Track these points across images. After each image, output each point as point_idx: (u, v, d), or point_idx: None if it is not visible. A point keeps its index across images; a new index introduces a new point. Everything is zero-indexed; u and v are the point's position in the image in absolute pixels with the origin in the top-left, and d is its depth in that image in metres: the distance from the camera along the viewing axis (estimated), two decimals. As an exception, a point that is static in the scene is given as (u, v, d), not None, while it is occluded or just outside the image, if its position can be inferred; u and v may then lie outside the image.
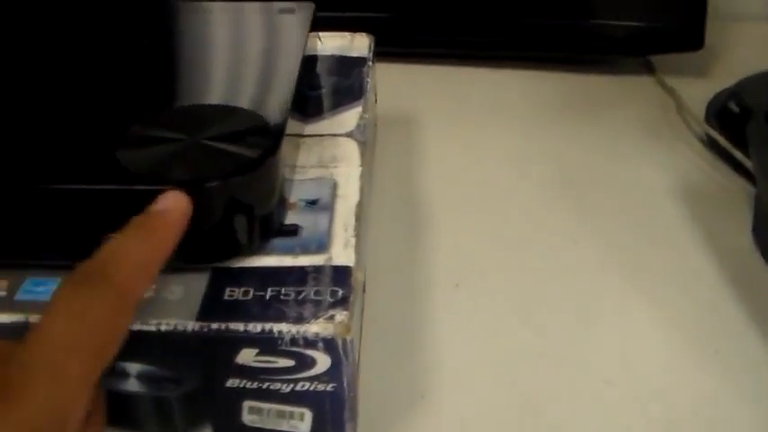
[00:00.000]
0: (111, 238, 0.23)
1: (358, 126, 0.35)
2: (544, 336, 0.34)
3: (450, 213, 0.40)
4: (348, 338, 0.25)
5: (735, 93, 0.46)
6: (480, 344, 0.33)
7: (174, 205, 0.24)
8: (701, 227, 0.39)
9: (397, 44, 0.52)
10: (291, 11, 0.38)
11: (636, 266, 0.37)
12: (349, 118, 0.36)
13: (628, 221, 0.40)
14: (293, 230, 0.29)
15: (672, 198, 0.42)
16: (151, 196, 0.25)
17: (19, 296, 0.27)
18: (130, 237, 0.23)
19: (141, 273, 0.23)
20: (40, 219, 0.27)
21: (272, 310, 0.26)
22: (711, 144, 0.45)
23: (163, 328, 0.25)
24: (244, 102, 0.30)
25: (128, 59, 0.35)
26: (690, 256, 0.38)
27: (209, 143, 0.27)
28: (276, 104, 0.30)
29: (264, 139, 0.28)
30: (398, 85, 0.46)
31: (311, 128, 0.35)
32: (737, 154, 0.42)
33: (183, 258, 0.26)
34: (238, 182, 0.26)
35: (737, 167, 0.43)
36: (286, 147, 0.28)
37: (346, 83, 0.39)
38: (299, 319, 0.25)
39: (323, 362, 0.26)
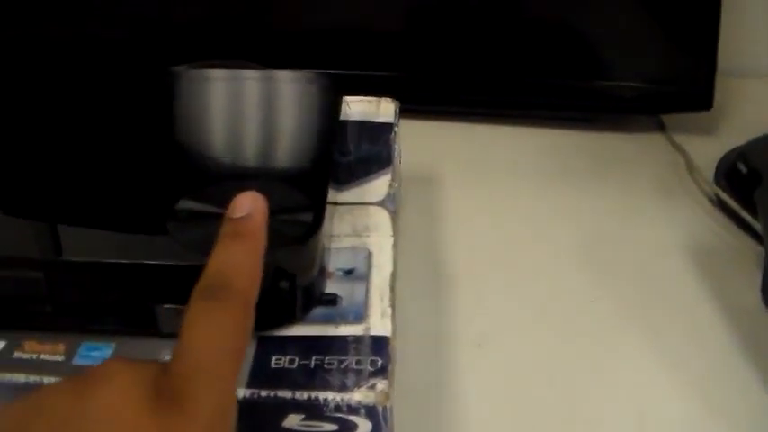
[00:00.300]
0: (215, 252, 0.25)
1: (388, 195, 0.37)
2: (563, 395, 0.36)
3: (471, 273, 0.42)
4: (388, 405, 0.27)
5: (743, 153, 0.48)
6: (502, 402, 0.35)
7: (253, 206, 0.26)
8: (711, 286, 0.41)
9: (414, 102, 0.53)
10: (320, 80, 0.41)
11: (650, 325, 0.39)
12: (379, 186, 0.38)
13: (641, 280, 0.42)
14: (332, 300, 0.31)
15: (683, 257, 0.44)
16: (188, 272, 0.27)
17: (76, 360, 0.29)
18: (232, 246, 0.25)
19: (253, 276, 0.25)
20: (100, 290, 0.29)
21: (318, 379, 0.28)
22: (721, 204, 0.47)
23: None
24: (282, 174, 0.32)
25: (166, 134, 0.37)
26: (702, 314, 0.40)
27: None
28: (315, 177, 0.32)
29: (307, 214, 0.30)
30: (416, 141, 0.47)
31: (342, 195, 0.37)
32: (746, 215, 0.44)
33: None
34: (285, 257, 0.28)
35: (746, 228, 0.45)
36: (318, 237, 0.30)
37: (374, 149, 0.41)
38: (343, 388, 0.27)
39: (364, 427, 0.27)
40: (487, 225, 0.46)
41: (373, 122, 0.43)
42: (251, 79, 0.41)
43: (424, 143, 0.50)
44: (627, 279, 0.42)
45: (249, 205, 0.26)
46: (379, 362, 0.28)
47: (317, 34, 0.55)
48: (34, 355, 0.29)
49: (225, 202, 0.30)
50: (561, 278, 0.42)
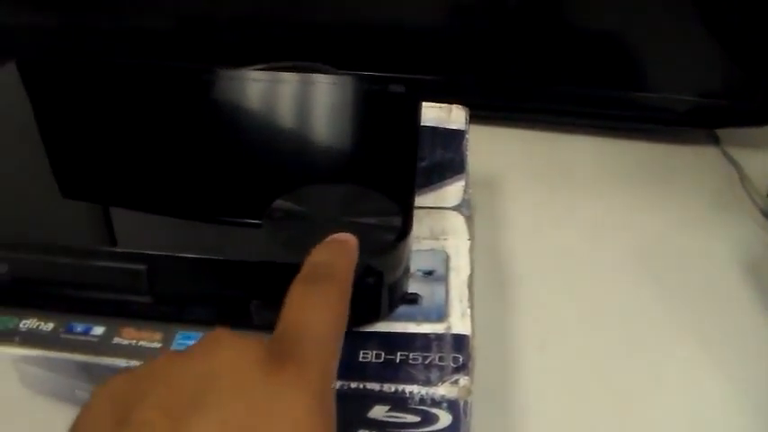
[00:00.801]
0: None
1: (463, 200, 0.39)
2: (620, 397, 0.38)
3: (534, 278, 0.44)
4: (468, 400, 0.29)
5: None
6: (562, 402, 0.37)
7: (348, 237, 0.29)
8: (762, 298, 0.43)
9: (480, 108, 0.55)
10: (399, 87, 0.43)
11: (704, 335, 0.41)
12: (453, 192, 0.40)
13: (695, 290, 0.44)
14: (414, 299, 0.33)
15: (736, 268, 0.45)
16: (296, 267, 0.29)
17: (173, 347, 0.32)
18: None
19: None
20: (197, 284, 0.31)
21: (403, 373, 0.30)
22: (774, 218, 0.49)
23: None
24: (371, 179, 0.34)
25: (258, 136, 0.39)
26: (754, 326, 0.42)
27: (350, 220, 0.32)
28: (403, 183, 0.34)
29: (397, 218, 0.32)
30: (480, 147, 0.49)
31: (420, 199, 0.39)
32: (799, 230, 0.46)
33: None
34: (377, 258, 0.30)
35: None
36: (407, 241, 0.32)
37: (448, 155, 0.43)
38: (427, 382, 0.30)
39: (445, 419, 0.30)
40: (549, 231, 0.48)
41: (446, 128, 0.45)
42: (334, 84, 0.43)
43: (485, 148, 0.52)
44: (682, 288, 0.44)
45: (344, 236, 0.30)
46: (461, 359, 0.30)
47: (376, 35, 0.57)
48: (132, 342, 0.31)
49: (317, 204, 0.32)
50: (619, 285, 0.44)
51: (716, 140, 0.57)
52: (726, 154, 0.56)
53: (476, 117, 0.48)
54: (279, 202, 0.33)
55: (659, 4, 0.55)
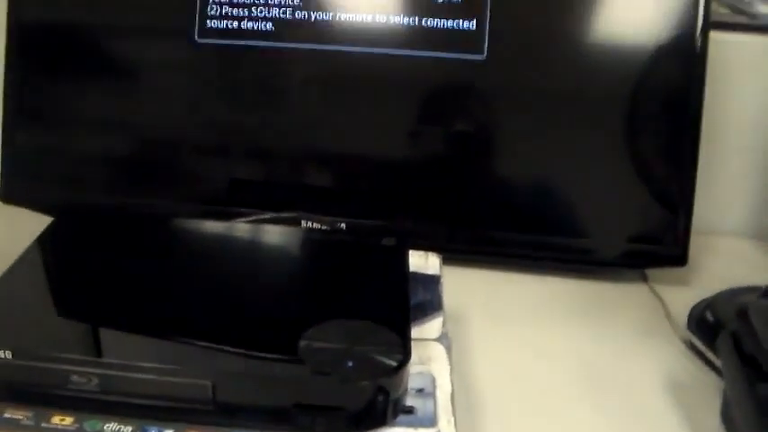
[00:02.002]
0: None
1: (442, 333, 0.50)
2: None
3: (501, 396, 0.53)
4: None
5: (710, 304, 0.60)
6: None
7: None
8: (683, 414, 0.53)
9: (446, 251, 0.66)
10: (393, 242, 0.54)
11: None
12: (434, 326, 0.50)
13: (627, 409, 0.53)
14: (411, 410, 0.43)
15: (662, 391, 0.55)
16: (327, 388, 0.39)
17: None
18: None
19: None
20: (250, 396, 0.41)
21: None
22: (692, 346, 0.60)
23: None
24: (376, 317, 0.45)
25: (284, 283, 0.50)
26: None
27: (362, 349, 0.42)
28: (401, 320, 0.45)
29: (399, 348, 0.42)
30: (451, 286, 0.57)
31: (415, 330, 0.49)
32: (711, 356, 0.57)
33: (347, 428, 0.40)
34: (385, 380, 0.40)
35: (712, 366, 0.57)
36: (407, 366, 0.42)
37: (427, 296, 0.53)
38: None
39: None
40: (508, 357, 0.58)
41: (424, 274, 0.56)
42: (339, 239, 0.54)
43: (457, 288, 0.62)
44: (617, 408, 0.53)
45: None
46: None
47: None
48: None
49: (336, 336, 0.42)
50: (566, 404, 0.53)
51: (644, 278, 0.69)
52: (653, 290, 0.67)
53: (446, 259, 0.59)
54: (307, 335, 0.43)
55: (598, 165, 0.68)
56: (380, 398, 0.41)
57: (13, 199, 0.74)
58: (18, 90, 0.74)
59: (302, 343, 0.42)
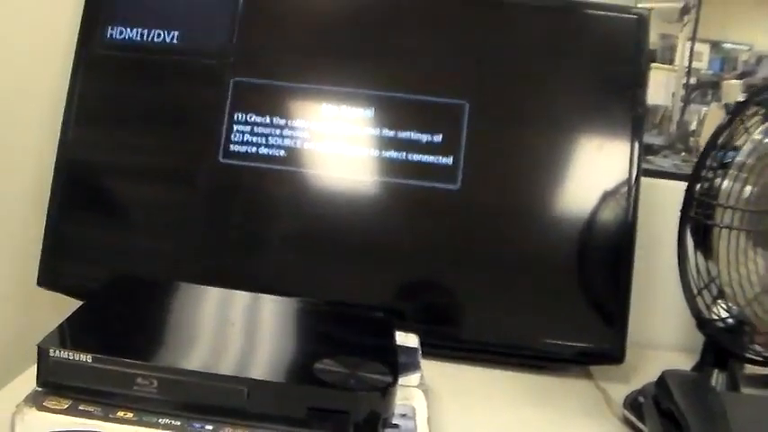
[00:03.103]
0: None
1: (421, 383, 0.62)
2: None
3: None
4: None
5: (641, 391, 0.73)
6: None
7: None
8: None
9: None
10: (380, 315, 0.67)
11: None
12: (414, 379, 0.63)
13: None
14: (396, 426, 0.55)
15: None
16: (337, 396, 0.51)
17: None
18: None
19: None
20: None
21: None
22: (626, 421, 0.72)
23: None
24: (369, 355, 0.57)
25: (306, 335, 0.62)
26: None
27: (364, 374, 0.54)
28: (389, 358, 0.57)
29: (390, 376, 0.54)
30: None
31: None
32: (641, 426, 0.69)
33: (354, 430, 0.51)
34: (381, 396, 0.52)
35: (641, 433, 0.69)
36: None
37: (409, 360, 0.65)
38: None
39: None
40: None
41: (407, 346, 0.68)
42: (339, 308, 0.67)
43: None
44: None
45: None
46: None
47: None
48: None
49: (345, 365, 0.55)
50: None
51: (589, 376, 0.81)
52: (596, 384, 0.80)
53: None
54: (322, 362, 0.55)
55: (554, 287, 0.82)
56: (377, 411, 0.52)
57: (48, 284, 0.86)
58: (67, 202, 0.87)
59: (317, 366, 0.55)
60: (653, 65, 1.00)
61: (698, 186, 0.68)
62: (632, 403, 0.73)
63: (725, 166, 0.67)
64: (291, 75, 0.87)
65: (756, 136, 0.65)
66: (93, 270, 0.83)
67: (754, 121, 0.65)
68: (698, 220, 0.67)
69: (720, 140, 0.67)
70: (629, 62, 0.87)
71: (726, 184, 0.65)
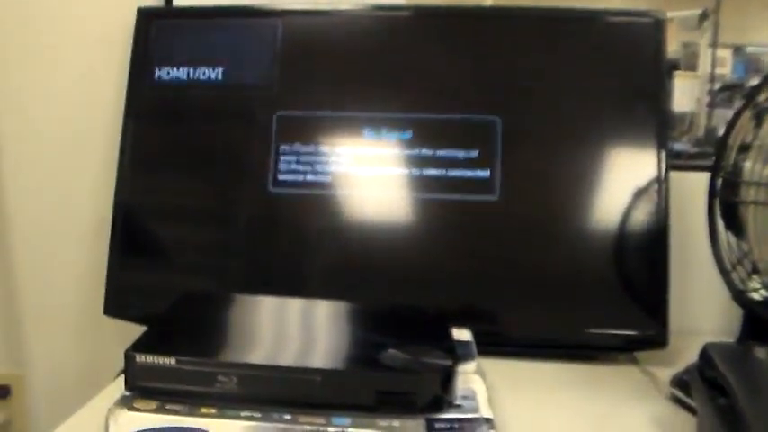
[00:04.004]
0: None
1: (477, 369, 0.66)
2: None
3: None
4: (497, 444, 0.54)
5: (687, 370, 0.76)
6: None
7: None
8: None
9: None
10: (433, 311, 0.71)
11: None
12: (471, 366, 0.66)
13: None
14: (459, 406, 0.59)
15: (652, 428, 0.69)
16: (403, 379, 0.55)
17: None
18: None
19: None
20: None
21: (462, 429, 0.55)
22: (674, 398, 0.75)
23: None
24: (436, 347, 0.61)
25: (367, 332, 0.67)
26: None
27: (426, 360, 0.58)
28: (448, 345, 0.61)
29: (449, 359, 0.59)
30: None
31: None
32: (689, 401, 0.72)
33: (420, 411, 0.56)
34: (439, 377, 0.57)
35: (690, 410, 0.72)
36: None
37: (465, 351, 0.70)
38: (474, 433, 0.55)
39: (484, 456, 0.54)
40: (527, 412, 0.72)
41: (461, 340, 0.73)
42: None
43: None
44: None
45: None
46: (491, 424, 0.56)
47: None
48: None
49: (409, 352, 0.59)
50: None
51: (635, 362, 0.85)
52: (642, 369, 0.83)
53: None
54: (389, 351, 0.59)
55: (597, 281, 0.86)
56: (439, 391, 0.56)
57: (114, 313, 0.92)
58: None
59: (385, 354, 0.59)
60: (676, 73, 1.03)
61: (722, 168, 0.72)
62: (679, 382, 0.76)
63: (747, 148, 0.70)
64: (329, 104, 0.92)
65: (774, 115, 0.69)
66: (155, 299, 0.88)
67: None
68: (726, 200, 0.71)
69: (738, 123, 0.71)
70: (649, 63, 0.91)
71: (748, 163, 0.69)
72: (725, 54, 1.03)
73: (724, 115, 1.02)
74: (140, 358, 0.57)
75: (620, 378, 0.82)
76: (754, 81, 0.97)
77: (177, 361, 0.57)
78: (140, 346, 0.58)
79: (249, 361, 0.58)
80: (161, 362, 0.57)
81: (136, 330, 0.64)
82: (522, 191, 0.90)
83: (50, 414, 1.04)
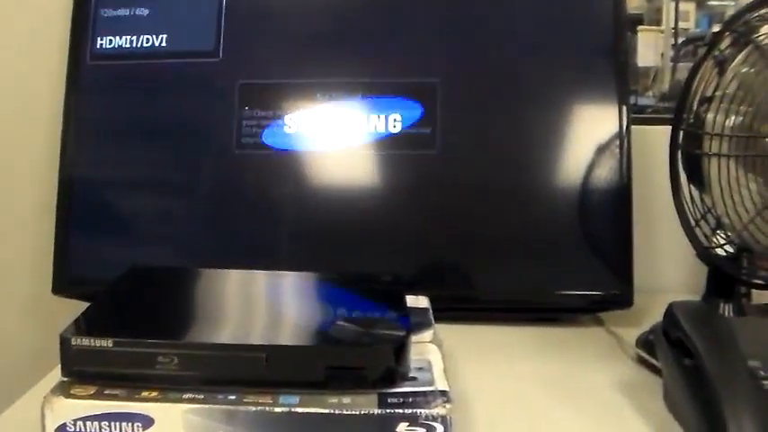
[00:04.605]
0: None
1: (434, 338, 0.64)
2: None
3: (480, 409, 0.65)
4: (450, 416, 0.52)
5: (652, 330, 0.74)
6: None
7: None
8: (635, 402, 0.66)
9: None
10: (389, 278, 0.68)
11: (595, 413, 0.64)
12: (427, 335, 0.64)
13: (592, 406, 0.66)
14: (414, 378, 0.56)
15: (618, 391, 0.68)
16: (353, 353, 0.53)
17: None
18: None
19: None
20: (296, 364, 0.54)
21: (416, 404, 0.52)
22: (639, 359, 0.73)
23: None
24: (388, 316, 0.59)
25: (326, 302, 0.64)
26: (629, 420, 0.64)
27: (377, 332, 0.56)
28: (401, 316, 0.59)
29: (402, 330, 0.56)
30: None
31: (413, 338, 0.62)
32: (654, 362, 0.70)
33: (372, 386, 0.53)
34: (391, 349, 0.54)
35: (655, 371, 0.70)
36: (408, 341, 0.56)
37: (421, 319, 0.67)
38: (429, 407, 0.52)
39: (439, 429, 0.52)
40: (490, 381, 0.70)
41: (418, 307, 0.70)
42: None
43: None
44: (582, 406, 0.65)
45: None
46: (445, 396, 0.53)
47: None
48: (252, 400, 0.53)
49: (359, 323, 0.56)
50: (543, 414, 0.65)
51: (600, 323, 0.83)
52: (607, 330, 0.81)
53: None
54: (338, 323, 0.57)
55: (558, 241, 0.84)
56: (392, 363, 0.54)
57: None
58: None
59: (333, 327, 0.56)
60: (640, 27, 1.02)
61: (684, 119, 0.70)
62: (644, 342, 0.74)
63: (709, 100, 0.68)
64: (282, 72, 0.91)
65: (735, 64, 0.66)
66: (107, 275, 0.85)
67: (732, 51, 0.67)
68: (687, 152, 0.69)
69: (700, 73, 0.68)
70: (608, 17, 0.89)
71: (710, 115, 0.66)
72: (688, 8, 1.02)
73: (688, 69, 0.99)
74: (76, 341, 0.53)
75: (585, 340, 0.80)
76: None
77: (115, 343, 0.54)
78: (76, 328, 0.55)
79: (190, 340, 0.55)
80: (98, 344, 0.53)
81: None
82: (465, 148, 0.89)
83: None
